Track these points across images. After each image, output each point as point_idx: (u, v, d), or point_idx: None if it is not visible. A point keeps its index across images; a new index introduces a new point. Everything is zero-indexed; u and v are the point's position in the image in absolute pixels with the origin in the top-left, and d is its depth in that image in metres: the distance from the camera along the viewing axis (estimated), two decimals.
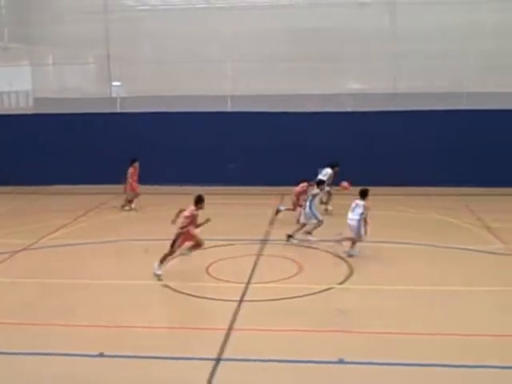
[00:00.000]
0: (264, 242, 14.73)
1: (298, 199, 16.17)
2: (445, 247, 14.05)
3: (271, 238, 15.12)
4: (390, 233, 15.12)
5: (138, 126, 21.46)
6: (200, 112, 21.23)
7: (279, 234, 15.21)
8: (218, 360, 8.63)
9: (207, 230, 15.53)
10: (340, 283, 11.86)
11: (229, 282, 11.94)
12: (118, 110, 22.37)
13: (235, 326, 9.85)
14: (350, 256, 13.38)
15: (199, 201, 12.60)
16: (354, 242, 13.56)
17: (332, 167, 17.53)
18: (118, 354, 8.87)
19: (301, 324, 9.95)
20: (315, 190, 14.88)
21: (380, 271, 12.62)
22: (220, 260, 13.09)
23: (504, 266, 12.92)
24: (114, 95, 22.85)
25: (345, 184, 16.09)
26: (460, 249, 13.91)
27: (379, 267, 12.85)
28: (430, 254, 13.73)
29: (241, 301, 10.91)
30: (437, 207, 18.08)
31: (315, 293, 11.28)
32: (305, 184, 16.17)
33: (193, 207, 12.55)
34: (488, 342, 9.30)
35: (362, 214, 13.27)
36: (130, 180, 18.45)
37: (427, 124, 20.34)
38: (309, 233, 14.68)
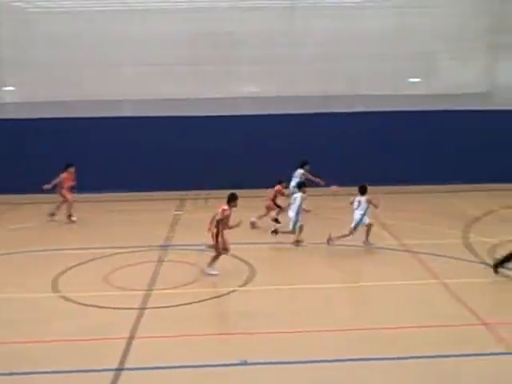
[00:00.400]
0: (165, 247, 14.64)
1: (273, 202, 16.25)
2: (344, 245, 14.46)
3: (172, 243, 15.04)
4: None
5: (33, 133, 20.69)
6: (99, 117, 20.74)
7: (180, 239, 15.19)
8: (119, 370, 8.52)
9: (105, 238, 15.35)
10: (242, 285, 11.98)
11: (129, 289, 11.77)
12: (10, 117, 21.43)
13: (137, 334, 9.74)
14: (369, 245, 14.20)
15: (233, 199, 12.39)
16: (368, 231, 14.22)
17: (301, 167, 17.74)
18: (15, 370, 8.56)
19: (204, 328, 10.00)
20: (300, 194, 14.73)
21: (282, 272, 12.87)
22: (120, 268, 12.91)
23: (395, 262, 13.47)
24: (6, 101, 21.98)
25: (334, 188, 15.99)
26: (358, 246, 14.38)
27: (281, 268, 13.10)
28: (329, 253, 14.09)
29: (142, 308, 10.81)
30: (333, 206, 18.52)
31: (217, 296, 11.37)
32: (278, 187, 16.33)
33: (225, 206, 12.30)
34: (390, 334, 9.69)
35: (368, 207, 14.10)
36: (64, 185, 17.11)
37: (326, 125, 20.76)
38: (298, 241, 14.59)
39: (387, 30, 20.91)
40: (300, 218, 14.51)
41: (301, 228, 14.55)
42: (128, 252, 14.11)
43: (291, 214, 14.60)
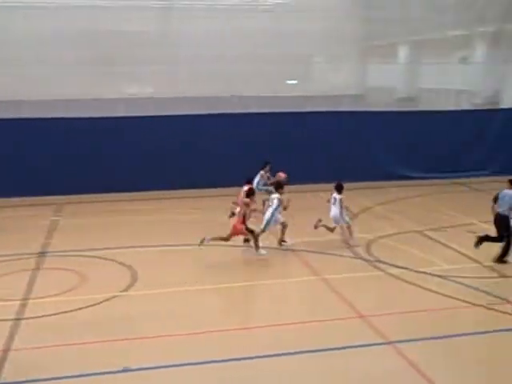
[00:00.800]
0: (42, 254, 14.06)
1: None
2: (229, 246, 14.49)
3: (50, 249, 14.47)
4: (165, 236, 15.33)
5: None
6: None
7: (59, 245, 14.65)
8: None
9: None
10: (123, 290, 11.75)
11: (4, 300, 11.20)
12: None
13: (13, 346, 9.31)
14: (353, 246, 14.30)
15: (252, 193, 13.99)
16: (350, 232, 14.53)
17: (262, 168, 17.66)
18: None
19: (85, 336, 9.70)
20: (276, 195, 14.43)
21: (163, 275, 12.70)
22: None
23: (276, 260, 13.74)
24: None
25: (281, 174, 16.08)
26: (243, 246, 14.45)
27: (162, 271, 12.92)
28: (210, 254, 14.08)
29: (18, 319, 10.33)
30: (204, 207, 18.62)
31: (99, 302, 11.05)
32: (249, 186, 15.88)
33: (247, 199, 13.79)
34: (273, 331, 9.87)
35: (341, 205, 14.44)
36: None
37: (207, 126, 20.73)
38: (283, 240, 14.43)
39: (265, 32, 21.17)
40: (279, 218, 14.38)
41: (284, 227, 14.48)
42: (2, 261, 13.42)
43: (267, 214, 14.42)
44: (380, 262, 13.34)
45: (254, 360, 8.95)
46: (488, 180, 22.10)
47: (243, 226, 13.69)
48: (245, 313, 10.68)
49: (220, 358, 8.94)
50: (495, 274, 12.56)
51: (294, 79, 23.17)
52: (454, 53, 23.59)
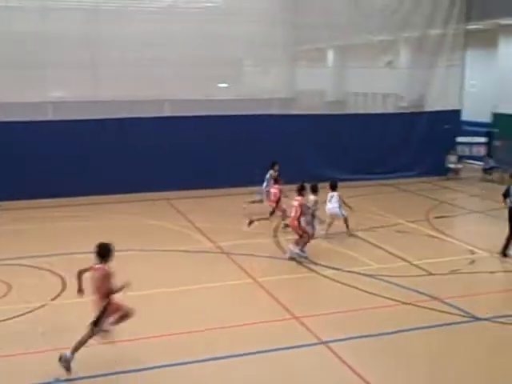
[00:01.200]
0: None
1: (276, 204, 16.14)
2: (163, 250, 14.40)
3: None
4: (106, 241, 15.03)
5: None
6: None
7: None
8: None
9: None
10: (53, 299, 11.45)
11: None
12: None
13: None
14: (352, 235, 15.46)
15: (303, 189, 13.62)
16: (347, 225, 15.47)
17: (271, 167, 17.50)
18: None
19: (12, 348, 9.40)
20: (313, 197, 14.30)
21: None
22: None
23: (211, 264, 13.69)
24: None
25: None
26: (176, 251, 14.36)
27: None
28: (149, 259, 13.96)
29: None
30: (146, 212, 18.43)
31: (27, 312, 10.72)
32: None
33: (299, 197, 13.50)
34: (211, 334, 9.86)
35: (339, 201, 15.31)
36: None
37: (137, 131, 20.49)
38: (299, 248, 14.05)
39: (194, 35, 21.04)
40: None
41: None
42: None
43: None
44: (312, 263, 13.50)
45: (190, 365, 8.90)
46: (415, 181, 22.84)
47: (297, 223, 13.62)
48: (178, 317, 10.58)
49: (156, 364, 8.85)
50: (423, 273, 12.92)
51: (225, 83, 23.19)
52: (380, 57, 24.13)
